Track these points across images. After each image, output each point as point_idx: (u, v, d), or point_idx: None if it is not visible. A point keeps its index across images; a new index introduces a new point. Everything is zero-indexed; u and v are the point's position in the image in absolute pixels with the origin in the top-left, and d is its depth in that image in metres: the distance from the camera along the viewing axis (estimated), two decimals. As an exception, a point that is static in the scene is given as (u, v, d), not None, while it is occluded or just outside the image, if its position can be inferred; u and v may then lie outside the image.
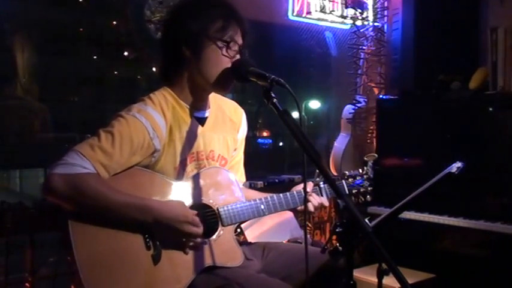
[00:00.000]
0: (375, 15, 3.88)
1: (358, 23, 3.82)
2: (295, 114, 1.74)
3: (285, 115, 1.51)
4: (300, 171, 3.67)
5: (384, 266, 1.55)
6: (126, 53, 2.98)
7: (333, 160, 3.84)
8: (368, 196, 2.13)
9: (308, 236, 2.34)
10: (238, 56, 1.87)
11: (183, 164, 1.87)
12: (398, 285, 1.30)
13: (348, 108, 3.83)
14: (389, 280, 1.53)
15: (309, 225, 3.60)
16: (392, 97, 3.68)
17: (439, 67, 3.59)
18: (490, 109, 3.08)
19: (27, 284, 2.60)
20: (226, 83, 1.87)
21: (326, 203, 2.03)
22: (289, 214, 2.80)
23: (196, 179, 1.87)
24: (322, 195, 2.02)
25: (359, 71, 3.86)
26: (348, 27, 3.88)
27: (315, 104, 4.68)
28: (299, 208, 2.01)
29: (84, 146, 1.70)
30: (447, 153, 3.11)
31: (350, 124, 3.81)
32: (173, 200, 1.81)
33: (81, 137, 1.83)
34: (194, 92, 1.91)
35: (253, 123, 2.23)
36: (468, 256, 3.01)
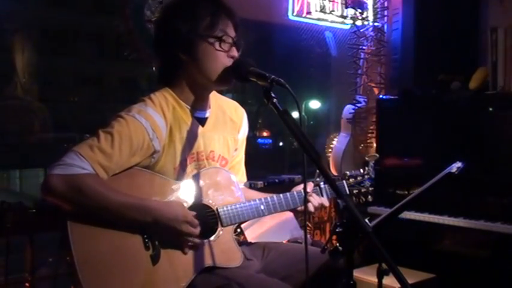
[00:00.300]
0: (375, 15, 3.88)
1: (358, 23, 3.82)
2: (295, 114, 1.74)
3: (285, 115, 1.51)
4: (300, 171, 3.67)
5: (384, 266, 1.54)
6: (126, 53, 2.98)
7: (333, 160, 3.84)
8: (369, 196, 2.12)
9: (308, 236, 2.34)
10: (234, 49, 1.86)
11: (183, 165, 1.87)
12: (398, 285, 1.30)
13: (348, 108, 3.83)
14: (389, 280, 1.53)
15: (309, 225, 3.60)
16: (392, 97, 3.68)
17: (439, 67, 3.59)
18: (490, 109, 3.08)
19: (27, 284, 2.60)
20: (227, 78, 1.87)
21: (326, 203, 2.02)
22: (289, 214, 2.80)
23: (196, 179, 1.87)
24: (322, 196, 2.02)
25: (359, 71, 3.86)
26: (348, 27, 3.88)
27: (315, 104, 4.68)
28: (299, 208, 2.01)
29: (83, 146, 1.69)
30: (447, 153, 3.11)
31: (350, 124, 3.81)
32: (172, 201, 1.81)
33: (81, 137, 1.83)
34: (195, 92, 1.91)
35: (253, 123, 2.22)
36: (468, 256, 3.01)
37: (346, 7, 3.78)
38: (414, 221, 3.11)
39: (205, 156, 1.93)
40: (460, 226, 2.98)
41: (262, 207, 1.93)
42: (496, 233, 2.84)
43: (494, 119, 3.06)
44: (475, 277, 2.92)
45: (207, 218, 1.85)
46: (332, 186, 1.48)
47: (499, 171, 2.94)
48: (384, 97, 3.75)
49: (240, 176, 2.12)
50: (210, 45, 1.83)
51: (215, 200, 1.88)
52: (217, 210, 1.87)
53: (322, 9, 3.66)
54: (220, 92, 2.07)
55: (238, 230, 2.68)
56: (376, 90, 3.92)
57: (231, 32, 1.87)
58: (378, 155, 2.15)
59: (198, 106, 1.94)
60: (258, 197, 1.96)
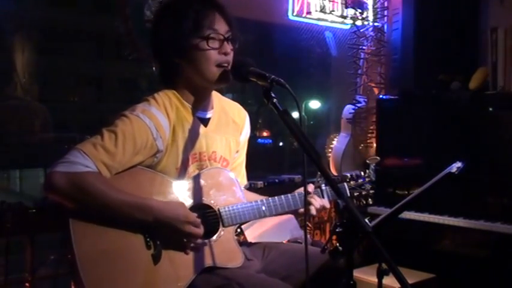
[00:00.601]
0: (375, 15, 3.88)
1: (358, 23, 3.82)
2: (295, 114, 1.74)
3: (285, 115, 1.51)
4: (300, 171, 3.67)
5: (384, 266, 1.55)
6: (126, 53, 2.98)
7: (333, 160, 3.84)
8: (369, 199, 2.13)
9: (308, 236, 2.34)
10: (226, 44, 1.84)
11: (185, 165, 1.87)
12: (398, 285, 1.30)
13: (348, 108, 3.83)
14: (389, 280, 1.53)
15: (309, 225, 3.60)
16: (392, 97, 3.68)
17: (439, 67, 3.59)
18: (490, 109, 3.08)
19: (27, 284, 2.60)
20: (225, 77, 1.87)
21: (327, 205, 2.03)
22: (289, 214, 2.80)
23: (197, 179, 1.87)
24: (323, 197, 2.02)
25: (359, 71, 3.86)
26: (348, 27, 3.88)
27: (315, 104, 4.69)
28: (300, 211, 2.01)
29: (87, 144, 1.70)
30: (447, 153, 3.11)
31: (350, 124, 3.81)
32: (173, 201, 1.81)
33: (81, 137, 1.83)
34: (196, 92, 1.91)
35: (253, 123, 2.22)
36: (468, 256, 3.01)
37: (346, 7, 3.77)
38: (414, 221, 3.11)
39: (208, 156, 1.93)
40: (460, 226, 2.98)
41: (263, 208, 1.93)
42: (496, 233, 2.84)
43: (494, 119, 3.06)
44: (475, 277, 2.92)
45: (209, 218, 1.85)
46: (332, 186, 1.48)
47: (499, 171, 2.94)
48: (384, 97, 3.75)
49: (240, 178, 2.12)
50: (198, 46, 1.83)
51: (217, 200, 1.89)
52: (218, 210, 1.87)
53: (322, 9, 3.66)
54: (220, 92, 2.07)
55: (238, 230, 2.68)
56: (376, 90, 3.92)
57: (222, 28, 1.85)
58: (378, 158, 2.16)
59: (201, 106, 1.94)
60: (258, 199, 1.96)
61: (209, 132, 1.95)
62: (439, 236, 3.16)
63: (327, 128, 4.35)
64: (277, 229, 2.95)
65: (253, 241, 2.42)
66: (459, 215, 3.00)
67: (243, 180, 2.16)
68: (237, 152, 2.10)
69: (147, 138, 1.77)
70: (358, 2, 3.83)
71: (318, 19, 3.72)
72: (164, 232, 1.74)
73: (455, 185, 2.79)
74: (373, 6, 3.88)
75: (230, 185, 1.95)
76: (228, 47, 1.85)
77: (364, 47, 3.86)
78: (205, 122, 1.95)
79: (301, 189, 2.01)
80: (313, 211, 1.98)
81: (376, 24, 3.90)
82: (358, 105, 3.81)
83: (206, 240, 1.82)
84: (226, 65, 1.85)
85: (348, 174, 2.15)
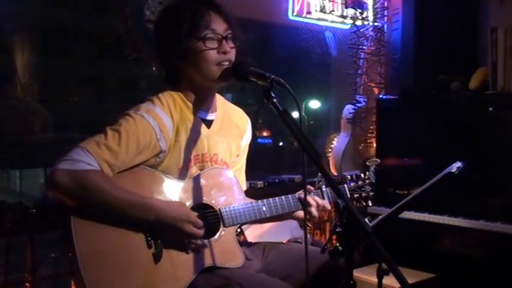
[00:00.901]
0: (375, 15, 3.88)
1: (358, 23, 3.82)
2: (295, 114, 1.74)
3: (285, 115, 1.51)
4: (300, 171, 3.67)
5: (384, 266, 1.55)
6: (126, 53, 2.98)
7: (333, 160, 3.84)
8: (369, 201, 2.13)
9: (308, 236, 2.34)
10: (225, 43, 1.84)
11: (187, 165, 1.87)
12: (398, 285, 1.30)
13: (348, 108, 3.83)
14: (389, 280, 1.53)
15: (309, 225, 3.60)
16: (392, 97, 3.69)
17: (439, 67, 3.59)
18: (490, 109, 3.08)
19: (27, 284, 2.60)
20: (225, 76, 1.87)
21: (328, 206, 2.03)
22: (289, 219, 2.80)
23: (198, 179, 1.87)
24: (324, 199, 2.03)
25: (359, 71, 3.86)
26: (348, 27, 3.88)
27: (315, 104, 4.69)
28: (300, 213, 2.02)
29: (90, 142, 1.70)
30: (447, 153, 3.11)
31: (350, 124, 3.81)
32: (174, 201, 1.81)
33: (81, 137, 1.83)
34: (199, 93, 1.92)
35: (253, 123, 2.22)
36: (468, 256, 3.01)
37: (346, 7, 3.78)
38: (414, 221, 3.11)
39: (209, 158, 1.94)
40: (460, 226, 2.98)
41: (264, 208, 1.93)
42: (496, 233, 2.84)
43: (494, 119, 3.06)
44: (475, 277, 2.92)
45: (209, 218, 1.85)
46: (332, 185, 1.48)
47: (499, 171, 2.94)
48: (384, 97, 3.76)
49: (239, 183, 2.12)
50: (196, 47, 1.83)
51: (217, 200, 1.89)
52: (219, 210, 1.87)
53: (322, 9, 3.66)
54: (220, 92, 2.07)
55: (238, 230, 2.68)
56: (376, 90, 3.92)
57: (219, 27, 1.85)
58: (378, 160, 2.16)
59: (204, 107, 1.94)
60: (259, 200, 1.96)
61: (212, 134, 1.95)
62: (439, 236, 3.16)
63: (327, 128, 4.35)
64: (277, 229, 2.95)
65: (253, 241, 2.42)
66: (459, 215, 3.00)
67: (243, 185, 2.15)
68: (238, 156, 2.11)
69: (150, 138, 1.77)
70: (358, 2, 3.83)
71: (318, 19, 3.72)
72: (165, 231, 1.74)
73: (455, 185, 2.78)
74: (373, 6, 3.88)
75: (231, 185, 1.95)
76: (227, 46, 1.85)
77: (364, 47, 3.86)
78: (208, 123, 1.96)
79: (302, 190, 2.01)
80: (314, 211, 1.98)
81: (376, 24, 3.90)
82: (358, 105, 3.81)
83: (207, 240, 1.82)
84: (226, 63, 1.85)
85: (348, 175, 2.15)
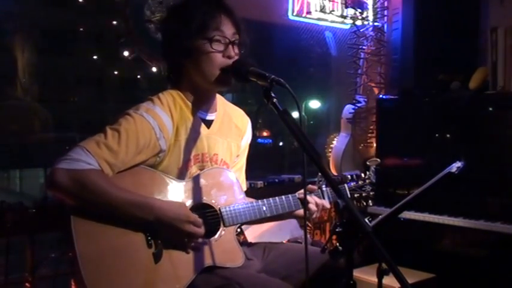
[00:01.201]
0: (375, 15, 3.88)
1: (358, 22, 3.82)
2: (295, 114, 1.74)
3: (285, 115, 1.51)
4: (300, 171, 3.68)
5: (384, 266, 1.55)
6: (126, 53, 2.98)
7: (333, 160, 3.84)
8: (370, 201, 2.13)
9: (308, 236, 2.34)
10: (230, 48, 1.84)
11: (187, 165, 1.87)
12: (398, 285, 1.30)
13: (348, 108, 3.83)
14: (389, 280, 1.53)
15: (309, 225, 3.60)
16: (392, 97, 3.69)
17: (439, 67, 3.59)
18: (490, 109, 3.08)
19: (27, 284, 2.60)
20: (226, 79, 1.87)
21: (327, 205, 2.03)
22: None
23: (198, 179, 1.87)
24: (324, 199, 2.03)
25: (359, 71, 3.86)
26: (348, 27, 3.88)
27: (315, 104, 4.68)
28: (300, 213, 2.02)
29: (90, 142, 1.70)
30: (447, 153, 3.11)
31: (350, 124, 3.81)
32: (174, 200, 1.81)
33: (81, 137, 1.83)
34: (199, 93, 1.92)
35: (253, 123, 2.23)
36: (468, 256, 3.01)
37: (346, 7, 3.78)
38: (414, 221, 3.11)
39: (209, 158, 1.94)
40: (460, 226, 2.98)
41: (264, 208, 1.94)
42: (496, 233, 2.84)
43: (494, 119, 3.06)
44: (475, 277, 2.92)
45: (209, 218, 1.85)
46: (332, 185, 1.48)
47: (499, 171, 2.94)
48: (384, 97, 3.76)
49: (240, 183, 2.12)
50: (203, 47, 1.83)
51: (217, 200, 1.89)
52: (219, 210, 1.87)
53: (322, 9, 3.66)
54: (220, 92, 2.07)
55: (238, 230, 2.69)
56: (376, 90, 3.93)
57: (228, 31, 1.85)
58: (379, 160, 2.16)
59: (204, 107, 1.94)
60: (259, 200, 1.96)
61: (211, 134, 1.95)
62: (439, 235, 3.16)
63: (327, 128, 4.35)
64: (277, 229, 2.95)
65: (253, 241, 2.42)
66: (459, 214, 3.00)
67: (243, 185, 2.14)
68: (238, 156, 2.11)
69: (150, 138, 1.78)
70: (358, 2, 3.83)
71: (318, 19, 3.72)
72: (165, 231, 1.74)
73: (455, 185, 2.78)
74: (373, 6, 3.88)
75: (231, 185, 1.95)
76: (233, 51, 1.85)
77: (364, 47, 3.86)
78: (208, 123, 1.96)
79: (302, 191, 2.01)
80: (314, 207, 1.98)
81: (376, 24, 3.90)
82: (358, 105, 3.81)
83: (207, 240, 1.82)
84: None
85: (348, 175, 2.15)
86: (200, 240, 1.79)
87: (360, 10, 3.81)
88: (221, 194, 1.90)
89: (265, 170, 3.97)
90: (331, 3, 3.70)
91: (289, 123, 1.50)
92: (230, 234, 1.89)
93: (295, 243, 2.73)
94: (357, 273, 2.76)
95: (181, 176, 1.86)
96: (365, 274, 2.79)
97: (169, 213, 1.73)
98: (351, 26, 3.84)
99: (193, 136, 1.89)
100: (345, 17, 3.78)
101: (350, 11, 3.79)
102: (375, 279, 1.66)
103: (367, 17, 3.86)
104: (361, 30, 3.83)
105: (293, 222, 3.07)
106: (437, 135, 3.26)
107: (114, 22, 2.98)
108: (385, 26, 3.94)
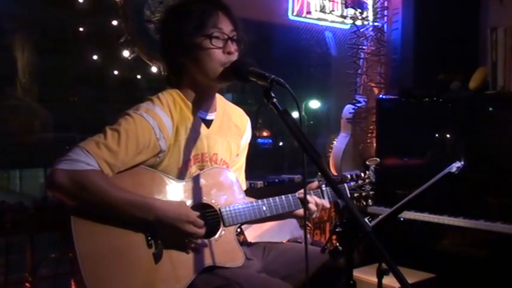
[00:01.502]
0: (374, 15, 3.88)
1: (358, 22, 3.82)
2: (295, 114, 1.74)
3: (285, 115, 1.51)
4: (300, 171, 3.67)
5: (384, 266, 1.55)
6: (126, 53, 2.98)
7: (333, 160, 3.84)
8: (370, 200, 2.13)
9: (308, 235, 2.34)
10: (230, 44, 1.85)
11: (187, 165, 1.87)
12: (398, 285, 1.30)
13: (348, 108, 3.83)
14: (389, 280, 1.53)
15: (309, 225, 3.60)
16: (392, 97, 3.68)
17: (439, 67, 3.59)
18: (490, 109, 3.08)
19: (27, 284, 2.60)
20: (227, 76, 1.87)
21: (327, 205, 2.03)
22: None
23: (198, 179, 1.88)
24: (324, 198, 2.03)
25: (359, 71, 3.86)
26: (347, 27, 3.88)
27: (315, 104, 4.68)
28: (299, 212, 2.02)
29: (89, 142, 1.70)
30: (447, 153, 3.11)
31: (350, 124, 3.81)
32: (175, 200, 1.81)
33: (81, 137, 1.83)
34: (200, 92, 1.92)
35: (253, 123, 2.23)
36: (468, 256, 3.01)
37: (346, 7, 3.78)
38: (414, 221, 3.11)
39: (209, 158, 1.94)
40: (460, 226, 2.98)
41: (264, 208, 1.94)
42: (495, 233, 2.84)
43: (494, 119, 3.06)
44: (475, 277, 2.92)
45: (209, 217, 1.85)
46: (332, 185, 1.48)
47: (499, 171, 2.93)
48: (384, 97, 3.75)
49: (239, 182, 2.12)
50: (202, 44, 1.83)
51: (217, 200, 1.89)
52: (219, 210, 1.87)
53: (322, 9, 3.66)
54: (220, 92, 2.07)
55: (238, 230, 2.69)
56: (376, 90, 3.92)
57: (226, 27, 1.86)
58: (378, 160, 2.15)
59: (204, 107, 1.94)
60: (259, 200, 1.96)
61: (211, 134, 1.95)
62: (439, 236, 3.16)
63: (327, 128, 4.35)
64: (277, 229, 2.95)
65: (253, 241, 2.42)
66: (459, 214, 3.00)
67: (243, 185, 2.15)
68: (237, 155, 2.11)
69: (149, 138, 1.78)
70: (358, 2, 3.83)
71: (318, 19, 3.72)
72: (165, 231, 1.74)
73: (455, 185, 2.78)
74: (373, 6, 3.88)
75: (231, 185, 1.95)
76: (232, 47, 1.86)
77: (364, 47, 3.86)
78: (208, 123, 1.96)
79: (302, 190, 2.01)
80: (313, 206, 1.98)
81: (376, 24, 3.90)
82: (358, 105, 3.81)
83: (207, 240, 1.82)
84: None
85: (348, 175, 2.15)
86: (200, 240, 1.79)
87: (360, 10, 3.81)
88: (221, 193, 1.91)
89: (265, 170, 3.97)
90: (331, 3, 3.69)
91: (289, 123, 1.50)
92: (230, 234, 1.89)
93: (295, 243, 2.73)
94: (357, 273, 2.76)
95: (181, 176, 1.86)
96: (365, 274, 2.79)
97: (170, 213, 1.73)
98: (351, 26, 3.83)
99: (193, 136, 1.89)
100: (345, 17, 3.78)
101: (350, 11, 3.79)
102: (375, 279, 1.66)
103: (367, 17, 3.86)
104: (361, 30, 3.83)
105: (293, 222, 3.07)
106: (437, 135, 3.26)
107: (114, 22, 2.98)
108: (385, 26, 3.94)
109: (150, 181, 1.80)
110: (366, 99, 3.85)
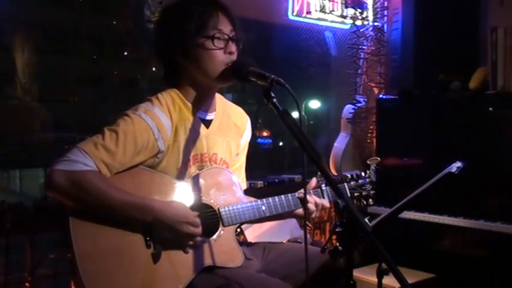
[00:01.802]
0: (374, 15, 3.88)
1: (358, 22, 3.82)
2: (295, 114, 1.74)
3: (285, 115, 1.51)
4: (300, 171, 3.67)
5: (384, 266, 1.55)
6: (126, 53, 2.98)
7: (333, 160, 3.84)
8: (370, 200, 2.12)
9: (308, 235, 2.34)
10: (230, 44, 1.85)
11: (186, 165, 1.87)
12: (398, 285, 1.30)
13: (348, 108, 3.83)
14: (389, 280, 1.53)
15: (309, 225, 3.60)
16: (392, 97, 3.68)
17: (439, 67, 3.59)
18: (490, 109, 3.09)
19: (27, 284, 2.60)
20: (227, 77, 1.87)
21: (327, 204, 2.03)
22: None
23: (197, 179, 1.87)
24: (323, 198, 2.03)
25: (359, 71, 3.86)
26: (347, 27, 3.88)
27: (315, 104, 4.69)
28: (299, 211, 2.01)
29: (87, 143, 1.70)
30: (447, 153, 3.11)
31: (350, 124, 3.81)
32: (173, 201, 1.81)
33: (81, 137, 1.83)
34: (200, 92, 1.91)
35: (253, 123, 2.23)
36: (468, 256, 3.01)
37: (346, 7, 3.78)
38: (414, 221, 3.11)
39: (208, 158, 1.94)
40: (460, 226, 2.98)
41: (263, 207, 1.93)
42: (495, 233, 2.84)
43: (494, 119, 3.06)
44: (475, 277, 2.92)
45: (209, 217, 1.85)
46: (332, 185, 1.48)
47: (499, 171, 2.94)
48: (384, 97, 3.75)
49: (239, 181, 2.12)
50: (204, 45, 1.83)
51: (216, 199, 1.89)
52: (218, 210, 1.87)
53: (322, 9, 3.66)
54: (220, 92, 2.07)
55: (238, 230, 2.68)
56: (376, 90, 3.92)
57: (226, 28, 1.86)
58: (379, 159, 2.15)
59: (203, 107, 1.94)
60: (258, 199, 1.96)
61: (211, 133, 1.95)
62: (439, 236, 3.16)
63: (327, 128, 4.35)
64: (277, 229, 2.95)
65: (253, 241, 2.42)
66: (459, 214, 3.00)
67: (243, 184, 2.14)
68: (237, 155, 2.10)
69: (148, 139, 1.77)
70: (358, 2, 3.83)
71: (318, 19, 3.72)
72: (163, 232, 1.74)
73: (455, 185, 2.78)
74: (373, 6, 3.88)
75: (230, 185, 1.95)
76: (233, 47, 1.86)
77: (364, 47, 3.86)
78: (207, 123, 1.96)
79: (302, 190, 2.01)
80: (312, 206, 1.97)
81: (376, 24, 3.90)
82: (358, 105, 3.81)
83: (206, 240, 1.82)
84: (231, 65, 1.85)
85: (348, 175, 2.14)
86: (199, 239, 1.79)
87: (359, 10, 3.81)
88: (220, 193, 1.90)
89: (265, 170, 3.97)
90: (331, 3, 3.69)
91: (289, 123, 1.50)
92: (229, 234, 1.88)
93: (295, 243, 2.73)
94: (357, 273, 2.76)
95: (180, 176, 1.85)
96: (365, 274, 2.79)
97: (168, 214, 1.72)
98: (351, 26, 3.84)
99: (193, 136, 1.89)
100: (345, 17, 3.78)
101: (350, 11, 3.79)
102: (375, 279, 1.66)
103: (367, 17, 3.86)
104: (361, 30, 3.83)
105: (293, 222, 3.07)
106: (437, 135, 3.26)
107: (114, 22, 2.98)
108: (385, 26, 3.94)
109: (149, 181, 1.80)
110: (366, 99, 3.85)
